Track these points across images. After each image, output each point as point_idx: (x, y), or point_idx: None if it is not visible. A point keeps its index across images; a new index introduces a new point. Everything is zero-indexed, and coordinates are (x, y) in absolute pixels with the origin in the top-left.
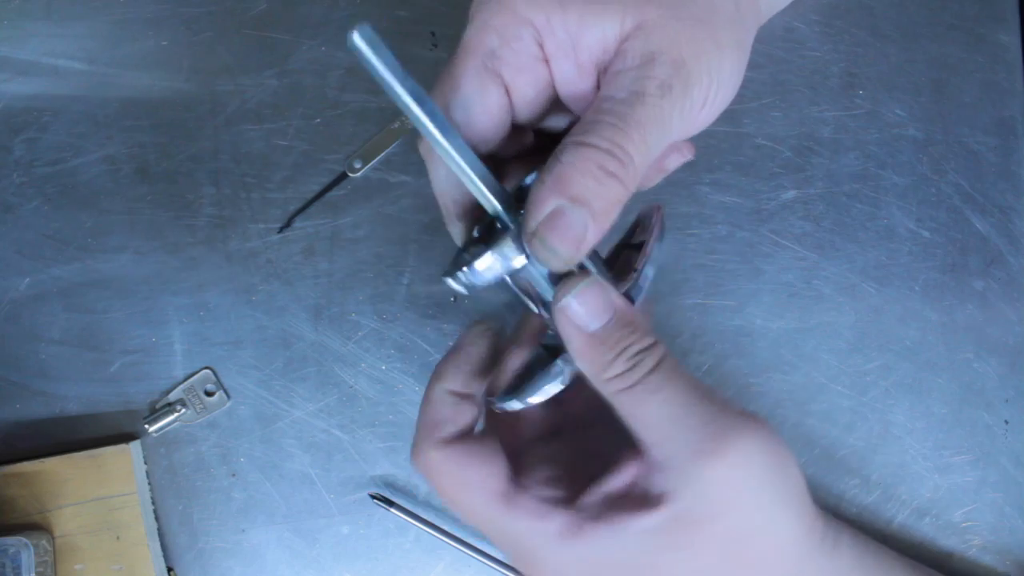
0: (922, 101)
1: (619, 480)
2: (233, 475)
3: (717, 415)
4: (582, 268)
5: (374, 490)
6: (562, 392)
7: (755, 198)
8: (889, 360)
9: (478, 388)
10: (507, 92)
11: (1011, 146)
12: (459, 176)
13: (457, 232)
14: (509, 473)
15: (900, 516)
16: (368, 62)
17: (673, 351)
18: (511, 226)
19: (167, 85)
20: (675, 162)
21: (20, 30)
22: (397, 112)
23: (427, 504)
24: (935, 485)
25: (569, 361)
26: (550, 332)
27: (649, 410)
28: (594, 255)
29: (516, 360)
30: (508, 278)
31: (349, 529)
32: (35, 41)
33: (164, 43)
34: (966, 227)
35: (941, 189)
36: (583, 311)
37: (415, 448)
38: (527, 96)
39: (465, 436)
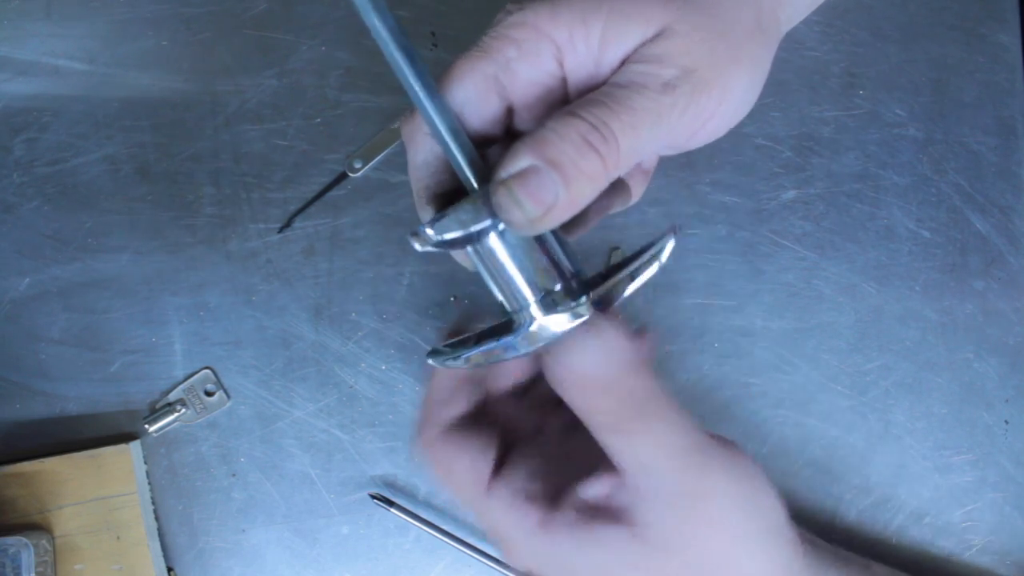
0: (922, 101)
1: (598, 489)
2: (233, 475)
3: (697, 453)
4: (549, 252)
5: (374, 490)
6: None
7: (755, 198)
8: (889, 360)
9: (471, 368)
10: (508, 106)
11: (1011, 146)
12: (434, 136)
13: (426, 217)
14: (494, 464)
15: (900, 516)
16: (366, 16)
17: (673, 351)
18: (476, 187)
19: (167, 85)
20: (617, 204)
21: (20, 30)
22: (397, 112)
23: (427, 504)
24: (935, 485)
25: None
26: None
27: (633, 449)
28: (568, 248)
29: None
30: (475, 256)
31: (349, 529)
32: (35, 41)
33: (164, 43)
34: (966, 227)
35: (941, 189)
36: (597, 360)
37: (419, 428)
38: (535, 110)
39: (461, 424)
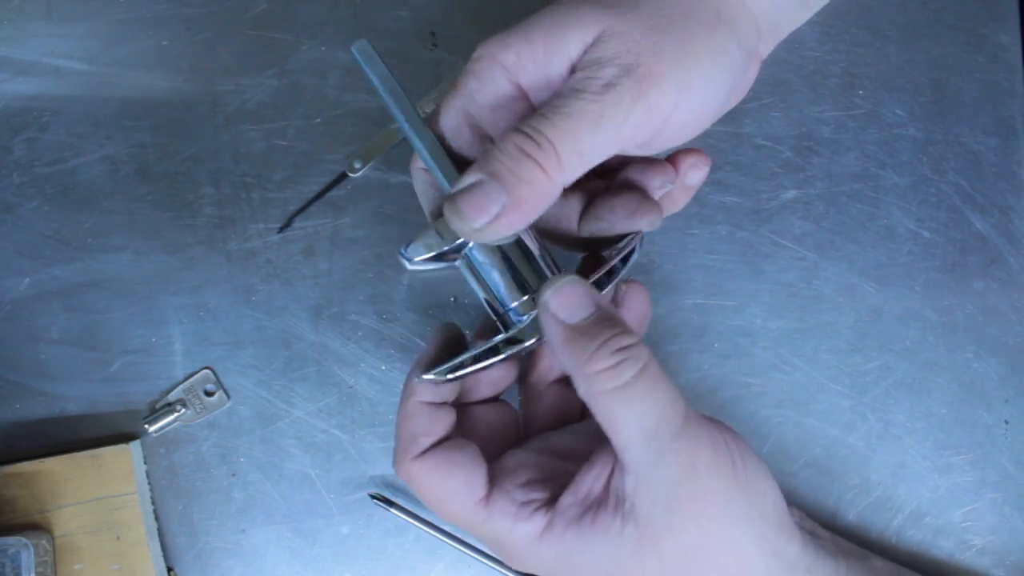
0: (922, 101)
1: (594, 483)
2: (233, 475)
3: (689, 429)
4: (522, 255)
5: (374, 490)
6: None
7: (755, 198)
8: (889, 360)
9: (449, 393)
10: (484, 131)
11: (1011, 146)
12: (422, 160)
13: None
14: (487, 477)
15: (900, 516)
16: (363, 66)
17: (673, 351)
18: None
19: (167, 85)
20: (695, 176)
21: (20, 30)
22: None
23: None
24: (935, 485)
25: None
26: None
27: (627, 419)
28: (543, 253)
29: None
30: (462, 270)
31: (349, 529)
32: (35, 41)
33: (164, 43)
34: (966, 227)
35: (941, 189)
36: (565, 303)
37: (396, 461)
38: (507, 129)
39: (442, 444)
